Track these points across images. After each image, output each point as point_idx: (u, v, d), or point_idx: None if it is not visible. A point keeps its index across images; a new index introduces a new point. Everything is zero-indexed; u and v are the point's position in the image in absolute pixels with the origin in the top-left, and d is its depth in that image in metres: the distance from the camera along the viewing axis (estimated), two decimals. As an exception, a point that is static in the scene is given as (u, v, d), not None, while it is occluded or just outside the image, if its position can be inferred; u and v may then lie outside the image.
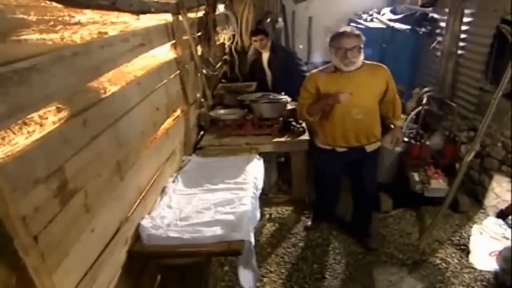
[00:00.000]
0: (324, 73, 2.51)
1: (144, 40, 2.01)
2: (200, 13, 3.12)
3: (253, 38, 3.87)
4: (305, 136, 3.14)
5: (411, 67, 4.98)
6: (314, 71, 2.59)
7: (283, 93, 3.43)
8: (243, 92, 3.76)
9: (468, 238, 2.77)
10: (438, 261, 2.67)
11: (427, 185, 3.09)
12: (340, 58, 2.34)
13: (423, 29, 4.64)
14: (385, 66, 2.51)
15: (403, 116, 2.81)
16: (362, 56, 2.38)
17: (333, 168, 2.78)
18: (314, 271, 2.63)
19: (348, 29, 2.37)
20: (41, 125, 1.16)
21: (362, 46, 2.34)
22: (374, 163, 2.77)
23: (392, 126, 2.73)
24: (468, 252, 2.68)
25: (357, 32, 2.36)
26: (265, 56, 3.99)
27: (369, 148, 2.60)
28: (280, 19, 5.29)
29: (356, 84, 2.39)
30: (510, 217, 2.67)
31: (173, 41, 2.53)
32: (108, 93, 1.60)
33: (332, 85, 2.42)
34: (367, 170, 2.73)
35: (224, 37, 4.45)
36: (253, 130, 3.21)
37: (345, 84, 2.39)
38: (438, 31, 4.47)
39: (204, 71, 3.19)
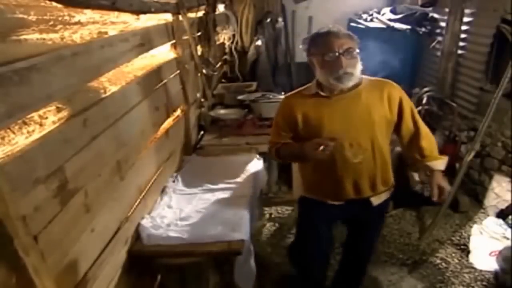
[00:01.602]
0: (303, 97, 1.70)
1: (144, 40, 2.01)
2: (200, 13, 3.12)
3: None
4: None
5: (411, 67, 4.97)
6: (290, 94, 1.78)
7: (282, 93, 3.43)
8: (243, 92, 3.76)
9: (468, 238, 2.77)
10: (438, 261, 2.66)
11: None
12: (329, 69, 1.53)
13: (423, 29, 4.63)
14: (394, 83, 1.70)
15: (442, 156, 1.74)
16: (360, 66, 1.59)
17: (321, 231, 1.86)
18: (314, 271, 2.62)
19: (334, 28, 1.57)
20: (41, 125, 1.16)
21: (357, 50, 1.57)
22: (381, 221, 2.01)
23: (427, 171, 1.75)
24: (468, 252, 2.68)
25: (347, 31, 1.60)
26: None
27: (376, 200, 1.76)
28: (280, 19, 5.29)
29: (352, 110, 1.60)
30: (510, 217, 2.67)
31: (173, 41, 2.53)
32: (108, 93, 1.60)
33: (316, 114, 1.63)
34: (368, 232, 1.93)
35: (224, 37, 4.44)
36: (253, 130, 3.21)
37: (335, 113, 1.61)
38: (438, 31, 4.47)
39: (204, 71, 3.19)
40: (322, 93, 1.62)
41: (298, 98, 1.71)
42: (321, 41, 1.56)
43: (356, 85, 1.61)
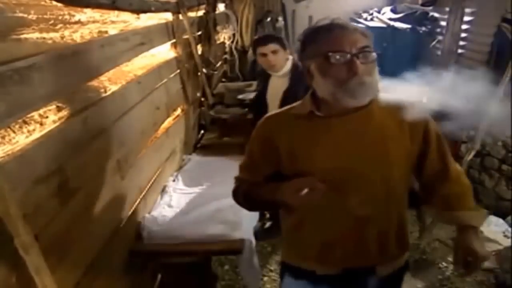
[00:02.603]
0: (289, 118, 1.16)
1: (144, 39, 2.01)
2: (200, 12, 3.12)
3: (261, 50, 2.22)
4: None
5: (411, 66, 4.97)
6: (272, 113, 1.24)
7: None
8: (243, 91, 3.76)
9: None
10: (438, 260, 2.67)
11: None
12: (337, 77, 1.01)
13: (423, 28, 4.63)
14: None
15: (481, 209, 1.26)
16: (378, 75, 1.07)
17: None
18: (314, 270, 2.63)
19: (339, 19, 1.07)
20: (41, 124, 1.16)
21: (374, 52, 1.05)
22: None
23: (458, 229, 1.18)
24: (468, 252, 2.68)
25: (357, 25, 1.09)
26: (277, 83, 2.28)
27: (386, 270, 1.23)
28: (280, 18, 5.29)
29: (360, 139, 1.09)
30: (510, 217, 2.67)
31: (173, 40, 2.53)
32: (108, 92, 1.60)
33: (306, 144, 1.11)
34: None
35: (224, 36, 4.44)
36: (253, 129, 3.20)
37: (336, 141, 1.10)
38: (438, 30, 4.47)
39: (204, 70, 3.19)
40: (318, 113, 1.09)
41: (283, 120, 1.16)
42: (323, 38, 1.02)
43: (367, 103, 1.07)
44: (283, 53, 2.23)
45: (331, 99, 1.05)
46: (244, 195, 1.24)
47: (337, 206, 1.11)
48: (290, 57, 2.28)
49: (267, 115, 1.24)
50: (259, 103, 2.45)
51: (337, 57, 0.99)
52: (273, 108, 2.18)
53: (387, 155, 1.09)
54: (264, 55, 2.22)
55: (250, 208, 1.35)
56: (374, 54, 1.04)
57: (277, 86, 2.27)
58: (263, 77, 2.44)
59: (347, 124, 1.09)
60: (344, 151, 1.09)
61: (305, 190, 1.01)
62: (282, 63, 2.24)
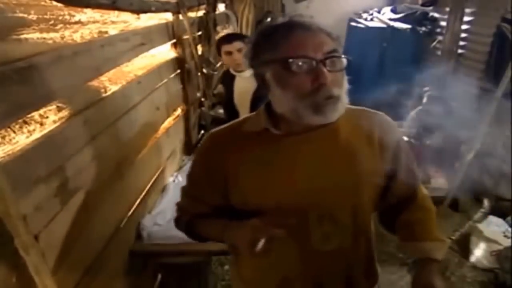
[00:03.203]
0: (239, 137, 0.95)
1: (145, 39, 2.01)
2: (201, 13, 3.12)
3: (226, 48, 2.12)
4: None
5: (411, 66, 4.98)
6: (217, 130, 1.00)
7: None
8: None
9: (468, 238, 2.77)
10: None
11: (427, 184, 3.08)
12: (300, 89, 0.82)
13: (423, 28, 4.64)
14: (387, 117, 1.01)
15: (444, 239, 1.04)
16: (347, 85, 0.88)
17: None
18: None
19: (300, 17, 0.88)
20: (41, 124, 1.16)
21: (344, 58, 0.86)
22: None
23: (419, 260, 1.02)
24: (468, 252, 2.68)
25: (321, 24, 0.87)
26: (244, 84, 2.12)
27: None
28: (280, 19, 5.29)
29: (324, 160, 0.92)
30: (510, 217, 2.67)
31: (174, 41, 2.53)
32: (108, 92, 1.60)
33: (259, 168, 0.91)
34: None
35: (224, 36, 4.44)
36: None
37: (295, 164, 0.91)
38: (438, 30, 4.47)
39: (204, 70, 3.19)
40: (274, 131, 0.90)
41: (231, 139, 0.96)
42: (281, 40, 0.82)
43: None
44: None
45: (291, 116, 0.85)
46: (187, 227, 1.05)
47: (297, 240, 0.92)
48: None
49: (212, 131, 1.00)
50: (229, 108, 2.30)
51: (299, 63, 0.80)
52: (244, 112, 2.11)
53: (356, 180, 0.92)
54: (230, 53, 2.11)
55: (196, 240, 1.09)
56: (344, 60, 0.84)
57: (245, 87, 2.09)
58: (227, 80, 2.27)
59: (308, 143, 0.90)
60: (306, 176, 0.90)
61: (261, 242, 0.81)
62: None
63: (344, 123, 0.91)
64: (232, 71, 2.20)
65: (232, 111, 2.25)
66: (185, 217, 1.05)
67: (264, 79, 0.87)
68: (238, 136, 0.95)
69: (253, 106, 2.05)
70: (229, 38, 2.17)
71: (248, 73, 1.99)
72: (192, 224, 1.04)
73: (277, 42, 0.83)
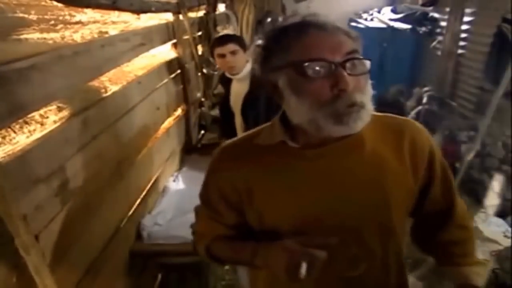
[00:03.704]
0: (252, 151, 0.86)
1: (145, 40, 2.01)
2: (201, 13, 3.12)
3: (218, 51, 1.98)
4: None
5: (411, 66, 4.98)
6: (228, 143, 0.92)
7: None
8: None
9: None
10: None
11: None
12: (319, 97, 0.71)
13: (423, 29, 4.64)
14: (418, 125, 0.89)
15: (483, 261, 1.10)
16: (371, 90, 0.76)
17: None
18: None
19: (315, 17, 0.76)
20: (42, 124, 1.16)
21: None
22: None
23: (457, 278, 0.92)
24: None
25: (338, 24, 0.76)
26: (238, 87, 2.07)
27: None
28: (280, 19, 5.29)
29: (349, 176, 0.81)
30: (510, 217, 2.67)
31: (174, 41, 2.53)
32: (108, 93, 1.61)
33: (275, 186, 0.82)
34: None
35: (224, 36, 4.44)
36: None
37: (316, 182, 0.81)
38: (438, 30, 4.47)
39: (204, 70, 3.19)
40: (292, 144, 0.82)
41: (244, 153, 0.87)
42: (294, 42, 0.73)
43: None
44: (243, 54, 1.98)
45: (309, 127, 0.75)
46: (207, 252, 0.95)
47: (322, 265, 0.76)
48: (250, 59, 2.00)
49: (223, 145, 0.92)
50: (225, 110, 2.23)
51: (316, 68, 0.70)
52: (238, 114, 2.07)
53: (384, 197, 0.81)
54: (222, 56, 1.95)
55: (221, 264, 1.00)
56: (366, 62, 0.74)
57: (238, 90, 2.04)
58: (225, 81, 2.20)
59: (330, 157, 0.80)
60: (327, 194, 0.80)
61: (304, 267, 0.71)
62: (242, 65, 1.98)
63: (369, 132, 0.79)
64: (227, 74, 2.08)
65: (226, 113, 2.20)
66: (203, 242, 0.95)
67: (277, 87, 0.77)
68: (251, 150, 0.85)
69: (244, 109, 2.00)
70: (222, 40, 2.01)
71: (241, 75, 2.00)
72: (212, 248, 0.94)
73: (289, 44, 0.73)
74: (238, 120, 2.07)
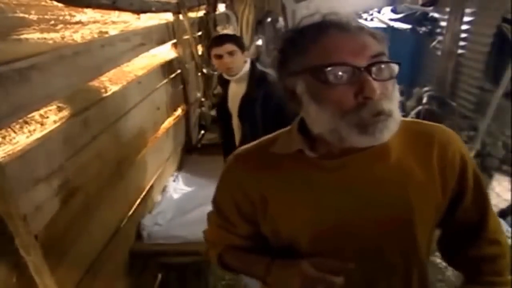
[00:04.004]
0: (267, 160, 0.79)
1: (145, 40, 2.01)
2: (201, 13, 3.12)
3: (215, 52, 1.89)
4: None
5: (411, 66, 4.98)
6: (242, 150, 0.86)
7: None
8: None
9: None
10: (438, 260, 2.66)
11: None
12: (342, 105, 0.64)
13: (423, 29, 4.64)
14: (449, 130, 0.80)
15: None
16: (398, 96, 0.69)
17: None
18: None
19: (336, 16, 0.71)
20: (42, 124, 1.16)
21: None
22: None
23: None
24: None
25: (361, 23, 0.71)
26: (235, 88, 1.99)
27: None
28: (280, 19, 5.29)
29: (372, 189, 0.74)
30: (510, 217, 2.67)
31: (174, 41, 2.53)
32: (108, 92, 1.61)
33: (292, 198, 0.77)
34: None
35: (224, 36, 4.44)
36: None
37: (336, 195, 0.74)
38: (438, 30, 4.48)
39: (204, 70, 3.19)
40: (311, 153, 0.75)
41: (259, 161, 0.81)
42: (315, 44, 0.66)
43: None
44: (241, 55, 1.89)
45: (331, 137, 0.68)
46: (219, 260, 0.91)
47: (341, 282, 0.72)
48: (248, 60, 1.96)
49: (236, 153, 0.86)
50: (222, 111, 2.15)
51: (338, 73, 0.63)
52: (235, 116, 2.00)
53: (410, 214, 0.75)
54: (220, 56, 1.86)
55: (234, 273, 0.98)
56: (394, 66, 0.67)
57: (236, 92, 1.97)
58: (223, 82, 2.10)
59: (351, 168, 0.73)
60: (347, 207, 0.74)
61: None
62: (239, 65, 1.90)
63: (395, 141, 0.71)
64: (224, 76, 1.99)
65: (223, 114, 2.13)
66: (216, 250, 0.91)
67: (295, 94, 0.70)
68: (266, 159, 0.79)
69: (240, 111, 1.95)
70: (219, 40, 1.92)
71: (238, 76, 1.92)
72: (225, 257, 0.90)
73: (308, 47, 0.66)
74: (235, 122, 2.02)
